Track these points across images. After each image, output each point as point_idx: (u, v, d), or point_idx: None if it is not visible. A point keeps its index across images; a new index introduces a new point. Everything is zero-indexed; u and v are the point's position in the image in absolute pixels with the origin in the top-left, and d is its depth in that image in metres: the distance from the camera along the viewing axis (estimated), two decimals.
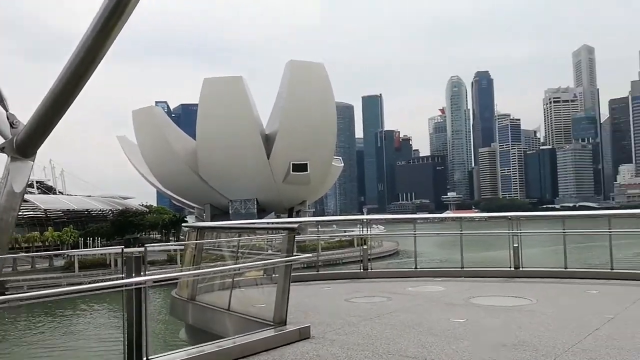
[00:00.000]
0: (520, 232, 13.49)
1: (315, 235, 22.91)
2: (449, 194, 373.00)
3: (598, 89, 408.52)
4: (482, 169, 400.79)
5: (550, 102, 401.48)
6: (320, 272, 14.30)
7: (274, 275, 7.63)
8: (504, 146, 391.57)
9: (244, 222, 22.77)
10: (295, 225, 7.29)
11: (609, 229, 12.78)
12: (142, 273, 5.40)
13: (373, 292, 11.28)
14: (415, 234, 15.35)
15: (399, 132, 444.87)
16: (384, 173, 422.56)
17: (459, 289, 11.20)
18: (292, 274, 7.35)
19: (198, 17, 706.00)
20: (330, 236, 55.83)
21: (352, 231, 51.14)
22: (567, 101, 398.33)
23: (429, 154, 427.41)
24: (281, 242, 7.51)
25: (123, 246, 52.69)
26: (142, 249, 6.73)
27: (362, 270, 14.26)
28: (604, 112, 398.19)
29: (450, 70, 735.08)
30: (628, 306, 8.85)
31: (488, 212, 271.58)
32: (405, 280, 13.08)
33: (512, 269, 13.19)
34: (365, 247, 14.83)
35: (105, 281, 6.07)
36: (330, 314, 8.81)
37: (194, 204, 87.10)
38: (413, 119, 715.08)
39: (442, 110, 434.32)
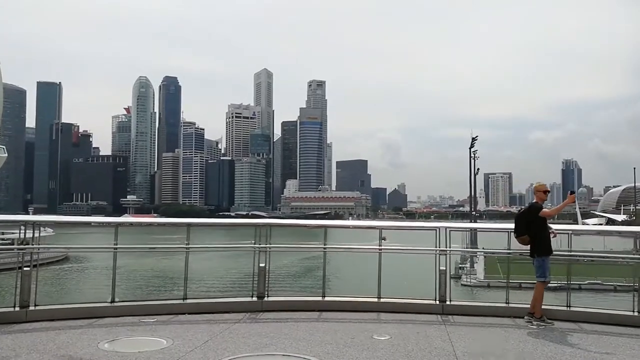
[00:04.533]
0: (270, 248, 10.03)
1: None
2: (128, 196, 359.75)
3: (274, 110, 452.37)
4: (165, 174, 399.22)
5: (233, 117, 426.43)
6: None
7: None
8: (188, 153, 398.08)
9: None
10: None
11: (379, 246, 10.28)
12: None
13: (34, 356, 6.59)
14: (116, 248, 9.49)
15: (78, 126, 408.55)
16: (57, 169, 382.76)
17: (191, 343, 7.27)
18: None
19: None
20: None
21: (13, 233, 43.55)
22: (247, 117, 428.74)
23: (110, 154, 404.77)
24: None
25: None
26: None
27: (16, 309, 8.62)
28: (277, 132, 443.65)
29: (138, 69, 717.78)
30: None
31: (168, 217, 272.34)
32: (95, 324, 8.47)
33: (256, 299, 9.82)
34: (27, 268, 8.83)
35: None
36: None
37: None
38: (95, 115, 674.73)
39: (128, 110, 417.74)
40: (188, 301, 9.67)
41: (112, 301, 9.34)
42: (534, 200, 9.41)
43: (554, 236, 9.38)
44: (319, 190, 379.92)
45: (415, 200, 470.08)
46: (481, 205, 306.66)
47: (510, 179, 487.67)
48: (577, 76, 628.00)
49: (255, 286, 9.90)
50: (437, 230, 10.04)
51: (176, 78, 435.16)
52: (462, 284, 56.39)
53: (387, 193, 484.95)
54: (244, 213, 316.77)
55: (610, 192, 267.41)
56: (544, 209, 9.18)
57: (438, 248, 9.95)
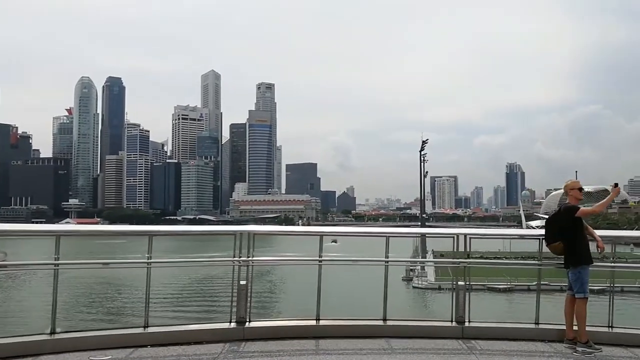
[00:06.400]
0: (253, 261, 8.33)
1: None
2: (70, 200, 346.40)
3: (222, 113, 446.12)
4: (108, 177, 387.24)
5: (179, 119, 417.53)
6: None
7: None
8: (132, 156, 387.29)
9: None
10: None
11: (386, 257, 8.57)
12: None
13: None
14: (57, 264, 7.52)
15: (17, 127, 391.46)
16: None
17: None
18: None
19: None
20: None
21: None
22: (194, 119, 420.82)
23: (51, 156, 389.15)
24: None
25: None
26: None
27: None
28: (226, 134, 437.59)
29: (81, 69, 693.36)
30: None
31: (112, 221, 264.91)
32: None
33: (235, 324, 8.06)
34: None
35: None
36: None
37: None
38: (35, 116, 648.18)
39: (70, 111, 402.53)
40: (150, 330, 7.75)
41: (52, 332, 7.31)
42: (567, 201, 8.14)
43: (601, 251, 7.95)
44: (269, 194, 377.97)
45: (364, 203, 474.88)
46: (428, 208, 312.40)
47: (455, 182, 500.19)
48: (519, 82, 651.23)
49: (234, 308, 8.08)
50: (456, 237, 8.61)
51: (120, 79, 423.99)
52: (413, 287, 57.14)
53: (337, 196, 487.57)
54: (191, 217, 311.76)
55: (552, 195, 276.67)
56: (582, 208, 7.89)
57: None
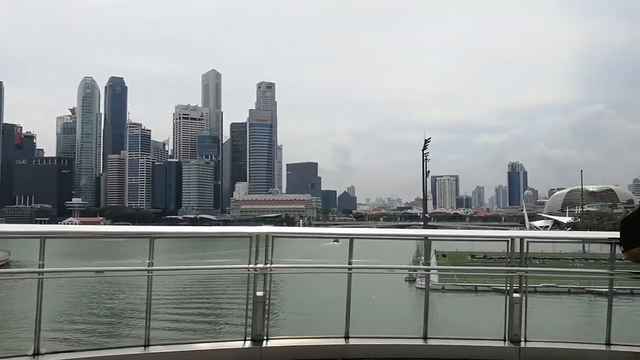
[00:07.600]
0: (272, 269, 7.12)
1: None
2: (73, 199, 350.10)
3: (222, 112, 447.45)
4: (111, 176, 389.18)
5: (180, 118, 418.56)
6: None
7: None
8: (134, 155, 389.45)
9: None
10: None
11: (425, 263, 7.72)
12: None
13: None
14: (42, 272, 6.37)
15: (21, 127, 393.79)
16: None
17: None
18: None
19: None
20: None
21: None
22: (194, 119, 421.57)
23: (55, 155, 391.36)
24: None
25: None
26: None
27: None
28: (226, 134, 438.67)
29: (84, 69, 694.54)
30: None
31: (114, 220, 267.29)
32: None
33: (250, 343, 6.95)
34: None
35: None
36: None
37: None
38: (39, 116, 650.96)
39: (73, 111, 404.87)
40: (152, 350, 6.61)
41: (36, 354, 6.16)
42: None
43: None
44: (269, 193, 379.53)
45: (365, 203, 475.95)
46: (429, 208, 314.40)
47: (456, 182, 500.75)
48: (520, 82, 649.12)
49: (249, 324, 6.95)
50: (510, 240, 7.31)
51: (122, 78, 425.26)
52: (416, 287, 58.74)
53: (338, 195, 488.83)
54: (192, 216, 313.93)
55: (555, 195, 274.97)
56: None
57: (514, 267, 7.16)
